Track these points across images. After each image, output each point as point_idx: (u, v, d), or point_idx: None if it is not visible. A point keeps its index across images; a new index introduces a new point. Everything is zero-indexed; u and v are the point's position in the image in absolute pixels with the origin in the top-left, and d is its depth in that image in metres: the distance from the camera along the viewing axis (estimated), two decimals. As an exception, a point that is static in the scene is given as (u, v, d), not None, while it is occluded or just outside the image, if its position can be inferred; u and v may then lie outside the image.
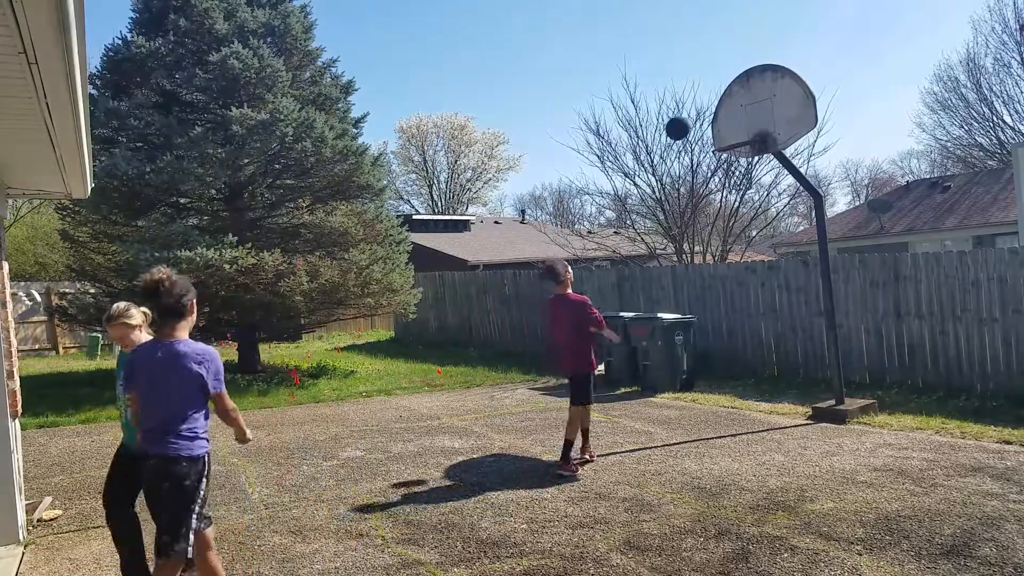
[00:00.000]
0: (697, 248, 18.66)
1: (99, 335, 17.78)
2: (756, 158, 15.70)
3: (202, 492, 3.50)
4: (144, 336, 4.05)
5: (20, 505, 5.27)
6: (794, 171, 9.10)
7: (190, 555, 3.45)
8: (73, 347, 19.83)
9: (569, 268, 6.72)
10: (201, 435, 3.51)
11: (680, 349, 10.60)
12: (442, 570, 4.42)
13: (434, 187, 56.54)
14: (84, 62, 3.18)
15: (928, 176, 36.46)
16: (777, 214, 23.99)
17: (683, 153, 18.40)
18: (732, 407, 9.21)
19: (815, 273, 10.03)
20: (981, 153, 33.53)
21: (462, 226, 32.30)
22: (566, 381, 6.74)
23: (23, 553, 5.00)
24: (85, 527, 5.44)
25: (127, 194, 11.94)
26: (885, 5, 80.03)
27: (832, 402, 8.38)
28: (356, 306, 13.69)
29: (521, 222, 38.29)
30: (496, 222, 37.04)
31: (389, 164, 52.50)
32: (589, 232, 25.06)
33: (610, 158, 18.97)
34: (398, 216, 17.24)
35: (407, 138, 55.90)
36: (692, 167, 18.26)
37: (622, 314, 11.56)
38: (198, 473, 3.46)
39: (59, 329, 19.51)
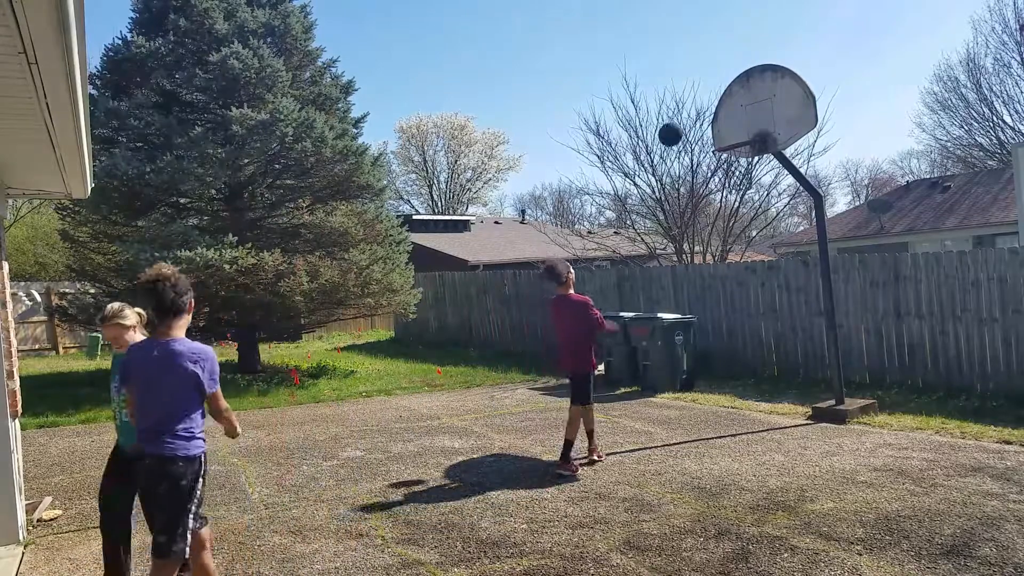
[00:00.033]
0: (697, 248, 18.66)
1: (99, 335, 17.78)
2: (756, 158, 15.71)
3: (199, 492, 3.49)
4: (138, 337, 4.03)
5: (20, 505, 5.27)
6: (794, 171, 9.10)
7: (187, 555, 3.45)
8: (73, 347, 19.83)
9: (571, 268, 6.73)
10: (198, 435, 3.50)
11: (680, 349, 10.60)
12: (442, 570, 4.42)
13: (434, 187, 56.57)
14: (84, 62, 3.18)
15: (928, 176, 36.47)
16: (777, 214, 24.00)
17: (683, 153, 18.41)
18: (732, 407, 9.21)
19: (815, 273, 10.03)
20: (981, 153, 33.53)
21: (462, 226, 32.30)
22: (566, 381, 6.75)
23: (23, 553, 5.00)
24: (85, 527, 5.44)
25: (127, 194, 11.95)
26: (885, 5, 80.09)
27: (832, 402, 8.38)
28: (356, 306, 13.69)
29: (521, 222, 38.29)
30: (496, 222, 37.03)
31: (389, 164, 52.54)
32: (589, 232, 25.07)
33: (610, 158, 19.00)
34: (398, 216, 17.24)
35: (407, 138, 55.95)
36: (692, 167, 18.28)
37: (622, 314, 11.56)
38: (194, 473, 3.45)
39: (59, 329, 19.51)
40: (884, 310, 9.72)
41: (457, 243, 28.56)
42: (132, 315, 4.09)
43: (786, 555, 4.39)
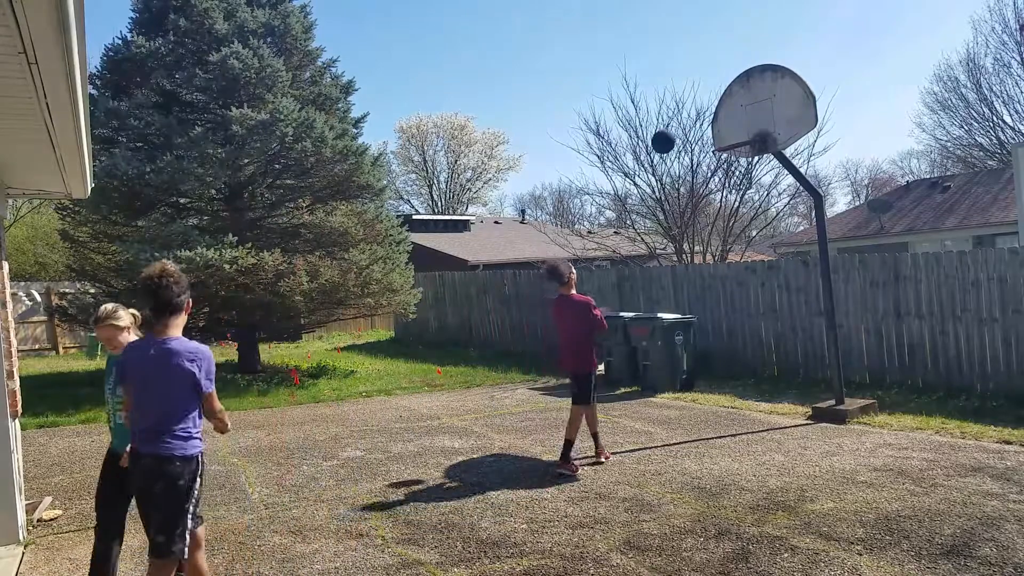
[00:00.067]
0: (697, 248, 18.65)
1: (99, 335, 17.76)
2: (756, 158, 15.71)
3: (197, 492, 3.47)
4: (132, 338, 3.99)
5: (20, 505, 5.27)
6: (794, 171, 9.10)
7: (186, 555, 3.44)
8: (73, 347, 19.83)
9: (573, 268, 6.75)
10: (195, 435, 3.48)
11: (680, 349, 10.60)
12: (442, 570, 4.42)
13: (434, 187, 56.57)
14: (84, 62, 3.18)
15: (928, 176, 36.46)
16: (777, 214, 24.00)
17: (683, 153, 18.41)
18: (732, 407, 9.21)
19: (815, 273, 10.03)
20: (981, 153, 33.53)
21: (462, 226, 32.30)
22: (566, 381, 6.76)
23: (23, 553, 5.00)
24: (85, 527, 5.43)
25: (127, 194, 11.95)
26: (885, 5, 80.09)
27: (832, 402, 8.38)
28: (356, 306, 13.69)
29: (521, 222, 38.29)
30: (496, 222, 37.03)
31: (389, 164, 52.53)
32: (589, 232, 25.07)
33: (610, 158, 18.99)
34: (398, 216, 17.24)
35: (407, 138, 55.95)
36: (692, 167, 18.27)
37: (622, 314, 11.56)
38: (192, 473, 3.43)
39: (59, 329, 19.51)
40: (884, 310, 9.72)
41: (457, 243, 28.56)
42: (126, 316, 4.05)
43: (786, 555, 4.39)
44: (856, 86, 78.77)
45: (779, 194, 19.51)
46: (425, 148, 55.86)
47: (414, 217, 31.54)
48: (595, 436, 6.70)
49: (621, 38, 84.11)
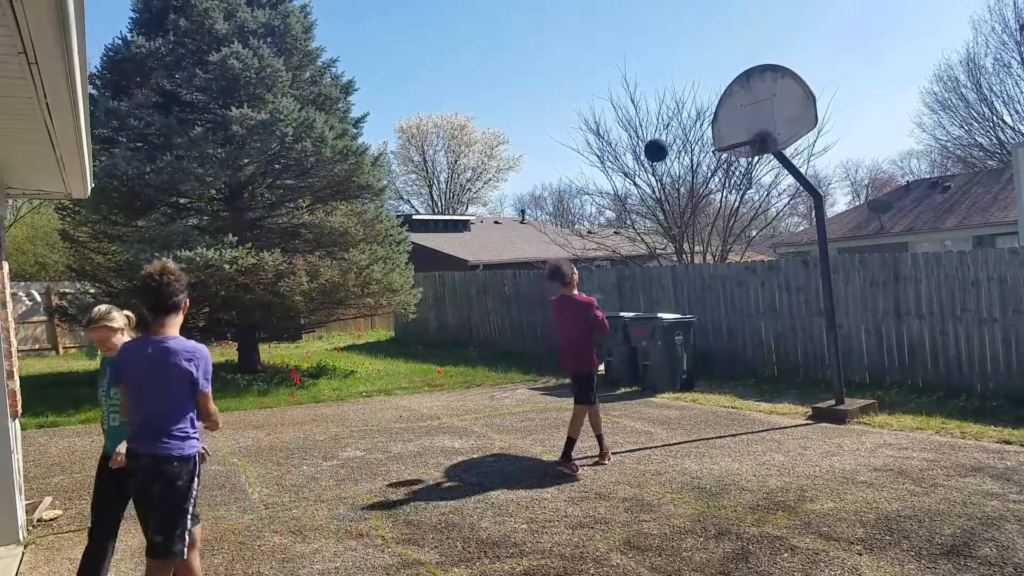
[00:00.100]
0: (697, 248, 18.65)
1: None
2: (756, 158, 15.71)
3: (194, 492, 3.46)
4: (126, 339, 3.95)
5: (20, 505, 5.27)
6: (794, 171, 9.10)
7: (186, 556, 3.44)
8: (73, 347, 19.83)
9: (575, 269, 6.76)
10: (192, 435, 3.47)
11: (680, 349, 10.60)
12: (442, 570, 4.42)
13: (434, 187, 56.57)
14: (84, 62, 3.18)
15: (928, 176, 36.46)
16: (777, 214, 24.00)
17: (683, 153, 18.42)
18: (732, 407, 9.21)
19: (815, 273, 10.03)
20: (981, 153, 33.53)
21: (462, 226, 32.29)
22: (566, 381, 6.77)
23: (23, 553, 5.00)
24: (85, 527, 5.39)
25: (127, 194, 11.94)
26: (885, 5, 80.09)
27: (832, 402, 8.38)
28: (356, 306, 13.69)
29: (521, 222, 38.29)
30: (496, 222, 37.03)
31: (389, 164, 52.53)
32: (589, 232, 25.06)
33: (610, 158, 18.99)
34: (398, 216, 17.24)
35: (407, 138, 55.95)
36: (692, 167, 18.27)
37: (622, 314, 11.56)
38: (190, 473, 3.42)
39: (59, 329, 19.50)
40: (884, 310, 9.72)
41: (457, 243, 28.56)
42: (120, 317, 4.01)
43: (786, 555, 4.39)
44: (856, 86, 78.86)
45: (779, 194, 19.54)
46: (425, 148, 55.89)
47: (414, 217, 31.54)
48: (599, 438, 6.70)
49: (621, 38, 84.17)
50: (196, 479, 3.48)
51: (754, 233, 25.82)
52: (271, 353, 17.00)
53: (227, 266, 11.18)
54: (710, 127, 10.95)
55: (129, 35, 12.67)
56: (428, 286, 17.15)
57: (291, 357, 16.27)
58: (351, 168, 12.95)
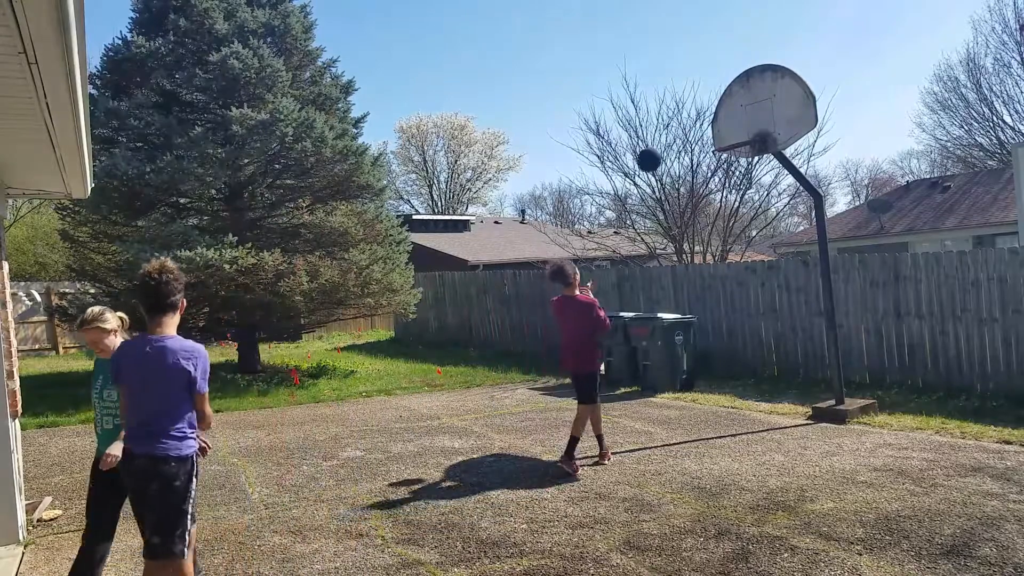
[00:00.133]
0: (697, 248, 18.66)
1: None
2: (756, 158, 15.71)
3: (193, 492, 3.45)
4: (119, 341, 3.92)
5: (20, 505, 5.27)
6: (794, 171, 9.10)
7: (187, 556, 3.43)
8: (73, 347, 19.83)
9: (577, 269, 6.78)
10: (190, 435, 3.45)
11: (680, 349, 10.60)
12: (442, 570, 4.42)
13: (434, 187, 56.57)
14: (84, 62, 3.18)
15: (928, 176, 36.45)
16: (777, 214, 24.00)
17: (683, 153, 18.44)
18: (732, 407, 9.21)
19: (815, 273, 10.03)
20: (981, 153, 33.53)
21: (462, 226, 32.30)
22: (566, 381, 6.77)
23: (23, 553, 5.00)
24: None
25: (127, 194, 11.95)
26: (885, 5, 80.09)
27: (832, 402, 8.38)
28: (356, 306, 13.69)
29: (521, 222, 38.29)
30: (496, 222, 37.03)
31: (389, 164, 52.52)
32: (589, 232, 25.07)
33: (610, 158, 19.00)
34: (398, 216, 17.23)
35: (407, 138, 55.95)
36: (692, 167, 18.28)
37: (622, 314, 11.56)
38: (187, 473, 3.40)
39: (59, 329, 19.49)
40: (884, 310, 9.72)
41: (457, 243, 28.56)
42: (113, 319, 3.98)
43: (786, 555, 4.39)
44: (856, 86, 78.83)
45: (779, 194, 19.54)
46: (425, 148, 55.89)
47: (414, 217, 31.54)
48: (599, 437, 6.71)
49: (621, 38, 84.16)
50: (194, 479, 3.46)
51: (754, 233, 25.82)
52: (271, 353, 17.00)
53: (227, 266, 11.18)
54: (710, 127, 10.94)
55: (129, 35, 12.67)
56: (428, 286, 17.15)
57: (291, 357, 16.27)
58: (351, 168, 12.95)
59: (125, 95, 12.22)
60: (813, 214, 15.99)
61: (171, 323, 3.47)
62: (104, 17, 57.56)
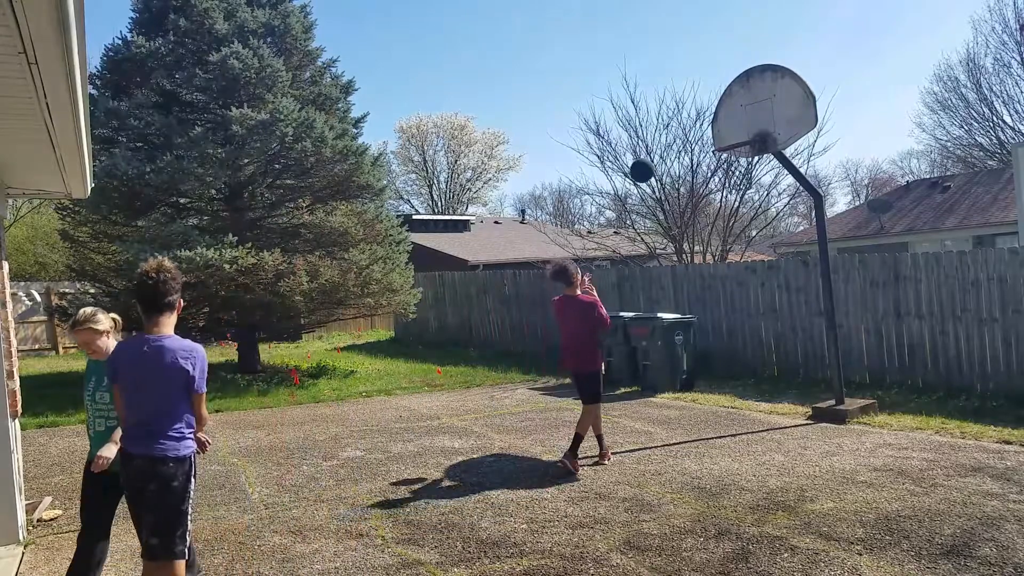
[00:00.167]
0: (697, 248, 18.65)
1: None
2: (756, 158, 15.71)
3: (191, 492, 3.44)
4: (112, 342, 3.91)
5: (20, 505, 5.27)
6: (794, 171, 9.10)
7: (187, 555, 3.43)
8: (73, 347, 19.79)
9: (579, 269, 6.79)
10: (188, 435, 3.43)
11: (680, 349, 10.60)
12: (442, 570, 4.42)
13: (434, 187, 56.57)
14: (84, 62, 3.18)
15: (928, 176, 36.44)
16: (777, 214, 23.98)
17: (683, 153, 18.44)
18: (732, 407, 9.21)
19: (815, 273, 10.03)
20: (981, 153, 33.53)
21: (462, 226, 32.29)
22: (566, 381, 6.78)
23: (23, 553, 5.00)
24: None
25: (127, 194, 11.95)
26: (885, 5, 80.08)
27: (832, 402, 8.38)
28: (356, 306, 13.69)
29: (521, 222, 38.29)
30: (496, 222, 37.03)
31: (389, 164, 52.51)
32: (589, 232, 25.06)
33: (610, 158, 18.99)
34: (398, 216, 17.23)
35: (407, 138, 55.95)
36: (692, 167, 18.28)
37: (622, 314, 11.56)
38: (185, 474, 3.39)
39: (59, 329, 19.49)
40: (884, 310, 9.72)
41: (457, 243, 28.56)
42: (106, 320, 3.95)
43: (786, 555, 4.39)
44: (856, 86, 78.82)
45: (779, 194, 19.53)
46: (425, 148, 55.89)
47: (414, 217, 31.54)
48: (599, 437, 6.71)
49: (621, 38, 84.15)
50: (192, 479, 3.46)
51: (754, 233, 25.80)
52: (271, 353, 17.00)
53: (227, 266, 11.18)
54: (710, 127, 10.94)
55: (129, 35, 12.68)
56: (428, 286, 17.15)
57: (291, 357, 16.27)
58: (351, 168, 12.96)
59: (125, 95, 12.22)
60: (813, 214, 15.99)
61: (168, 323, 3.45)
62: (104, 17, 57.64)
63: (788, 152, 10.31)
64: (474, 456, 7.16)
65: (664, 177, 18.65)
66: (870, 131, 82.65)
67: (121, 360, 3.45)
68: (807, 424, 8.03)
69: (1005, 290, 8.55)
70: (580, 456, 6.62)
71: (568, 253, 18.82)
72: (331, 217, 13.51)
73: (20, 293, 18.86)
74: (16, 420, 5.45)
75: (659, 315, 11.03)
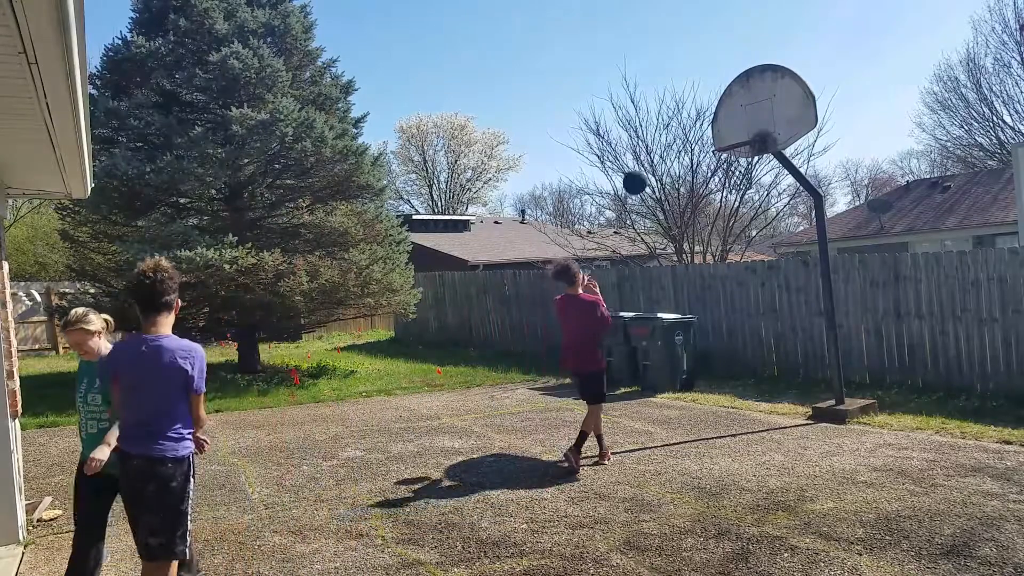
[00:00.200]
0: (697, 248, 18.65)
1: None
2: (756, 158, 15.70)
3: (190, 492, 3.43)
4: (104, 343, 3.89)
5: (20, 505, 5.27)
6: (794, 171, 9.10)
7: (188, 555, 3.43)
8: (73, 347, 19.81)
9: (581, 269, 6.80)
10: (187, 435, 3.42)
11: (680, 349, 10.60)
12: (442, 570, 4.42)
13: (434, 187, 56.56)
14: (84, 62, 3.17)
15: (928, 176, 36.44)
16: (777, 214, 23.97)
17: (683, 153, 18.43)
18: (732, 407, 9.21)
19: (815, 273, 10.03)
20: (981, 153, 33.53)
21: (462, 226, 32.29)
22: (566, 381, 6.78)
23: (23, 553, 5.00)
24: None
25: (127, 194, 11.95)
26: (885, 5, 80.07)
27: (832, 402, 8.38)
28: (356, 306, 13.69)
29: (521, 222, 38.28)
30: (496, 222, 37.03)
31: (389, 164, 52.50)
32: (589, 232, 25.06)
33: (610, 158, 18.98)
34: (398, 216, 17.24)
35: (407, 138, 55.94)
36: (692, 167, 18.27)
37: (622, 314, 11.55)
38: (184, 474, 3.38)
39: (59, 329, 19.48)
40: (884, 310, 9.71)
41: (457, 243, 28.56)
42: (97, 321, 3.93)
43: (786, 555, 4.39)
44: (856, 86, 78.84)
45: (779, 194, 19.52)
46: (425, 148, 55.89)
47: (414, 217, 31.53)
48: (599, 437, 6.72)
49: (621, 38, 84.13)
50: (191, 479, 3.45)
51: (754, 233, 25.79)
52: (271, 353, 17.00)
53: (227, 266, 11.18)
54: (710, 127, 10.94)
55: (129, 35, 12.68)
56: (428, 286, 17.15)
57: (291, 357, 16.27)
58: (351, 168, 12.96)
59: (125, 95, 12.22)
60: (813, 214, 15.98)
61: (166, 322, 3.44)
62: (104, 17, 57.64)
63: (788, 152, 10.32)
64: (474, 456, 7.16)
65: (664, 177, 18.66)
66: (870, 131, 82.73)
67: (119, 360, 3.44)
68: (807, 424, 8.03)
69: (1005, 290, 8.55)
70: (581, 456, 6.62)
71: (568, 253, 18.81)
72: (331, 217, 13.51)
73: (20, 293, 18.86)
74: (16, 420, 5.45)
75: (659, 315, 11.03)
